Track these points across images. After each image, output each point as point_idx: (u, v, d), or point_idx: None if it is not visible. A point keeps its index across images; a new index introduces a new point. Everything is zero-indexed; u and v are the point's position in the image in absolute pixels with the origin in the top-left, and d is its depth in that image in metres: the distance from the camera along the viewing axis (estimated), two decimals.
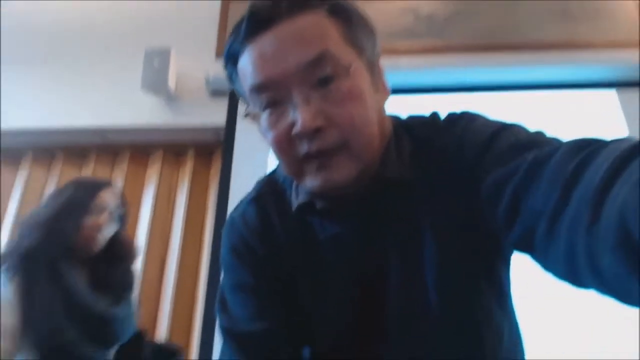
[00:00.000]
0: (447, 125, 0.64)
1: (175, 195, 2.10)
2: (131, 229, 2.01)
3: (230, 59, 0.60)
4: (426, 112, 0.68)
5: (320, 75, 0.55)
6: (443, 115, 0.67)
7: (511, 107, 1.96)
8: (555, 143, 0.49)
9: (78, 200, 1.28)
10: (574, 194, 0.40)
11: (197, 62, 2.11)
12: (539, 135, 0.54)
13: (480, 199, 0.55)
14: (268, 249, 0.67)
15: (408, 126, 0.66)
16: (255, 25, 0.57)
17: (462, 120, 0.63)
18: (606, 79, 2.00)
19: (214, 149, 2.14)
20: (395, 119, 0.67)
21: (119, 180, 2.09)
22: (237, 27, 0.59)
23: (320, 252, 0.65)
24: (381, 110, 0.63)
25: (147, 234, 2.00)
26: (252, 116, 0.61)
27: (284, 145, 0.57)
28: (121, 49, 2.17)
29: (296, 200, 0.65)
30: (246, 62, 0.57)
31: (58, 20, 2.23)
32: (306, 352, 0.70)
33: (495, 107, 1.93)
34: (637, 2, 2.17)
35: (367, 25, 0.62)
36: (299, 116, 0.54)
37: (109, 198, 1.31)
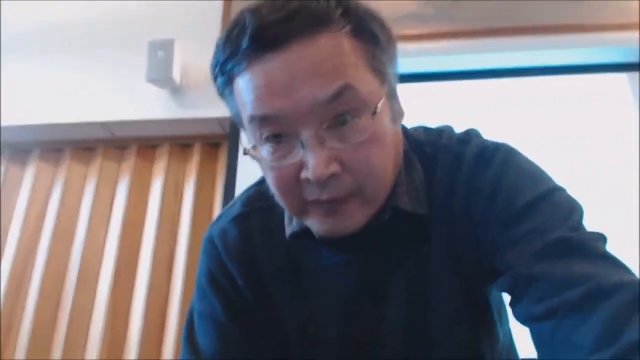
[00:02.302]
0: (479, 159, 0.55)
1: (182, 189, 2.09)
2: (139, 224, 2.01)
3: (224, 74, 0.51)
4: (439, 127, 0.61)
5: (337, 113, 0.46)
6: (463, 133, 0.59)
7: (520, 92, 1.93)
8: (602, 256, 0.46)
9: None
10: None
11: (201, 53, 2.05)
12: (582, 227, 0.50)
13: (494, 254, 0.52)
14: (248, 276, 0.60)
15: (420, 147, 0.58)
16: (261, 42, 0.46)
17: (497, 158, 0.55)
18: (615, 62, 1.97)
19: (221, 141, 2.13)
20: (406, 138, 0.59)
21: (126, 174, 2.09)
22: (235, 35, 0.48)
23: (311, 279, 0.60)
24: (398, 142, 0.55)
25: (156, 229, 1.99)
26: (252, 151, 0.52)
27: (289, 187, 0.50)
28: (124, 42, 2.14)
29: (290, 224, 0.58)
30: (246, 87, 0.48)
31: (60, 13, 2.21)
32: None
33: (503, 93, 1.90)
34: None
35: (392, 45, 0.53)
36: (311, 161, 0.46)
37: None
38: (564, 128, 1.83)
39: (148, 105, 2.05)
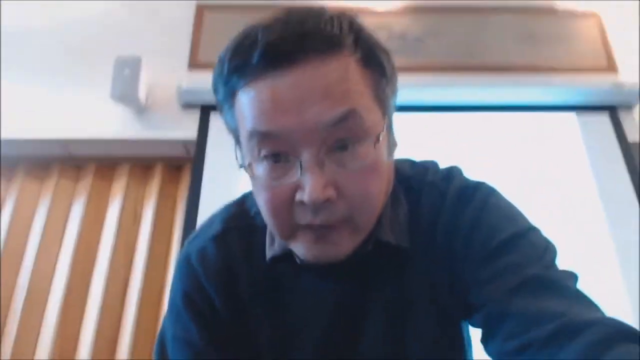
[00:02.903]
0: (460, 197, 0.57)
1: (141, 211, 2.03)
2: (93, 246, 1.94)
3: (227, 86, 0.50)
4: (424, 162, 0.62)
5: (339, 137, 0.46)
6: (446, 170, 0.61)
7: (477, 127, 2.00)
8: (574, 294, 0.48)
9: None
10: None
11: (168, 73, 2.07)
12: (555, 266, 0.52)
13: (469, 290, 0.53)
14: (227, 298, 0.59)
15: (406, 181, 0.60)
16: (272, 58, 0.45)
17: (477, 197, 0.57)
18: (567, 102, 2.08)
19: (183, 164, 2.09)
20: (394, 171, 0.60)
21: (82, 194, 2.02)
22: (244, 48, 0.47)
23: (290, 304, 0.59)
24: (390, 173, 0.56)
25: (111, 252, 1.92)
26: (247, 168, 0.50)
27: (281, 208, 0.49)
28: (90, 57, 2.10)
29: (270, 247, 0.57)
30: (250, 102, 0.47)
31: (22, 23, 2.16)
32: None
33: (463, 127, 1.98)
34: (600, 28, 2.28)
35: (396, 78, 0.54)
36: (308, 183, 0.46)
37: None
38: (520, 163, 1.91)
39: (110, 123, 2.01)
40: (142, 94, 1.97)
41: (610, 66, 2.20)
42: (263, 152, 0.48)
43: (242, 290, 0.60)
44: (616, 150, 1.98)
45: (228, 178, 1.92)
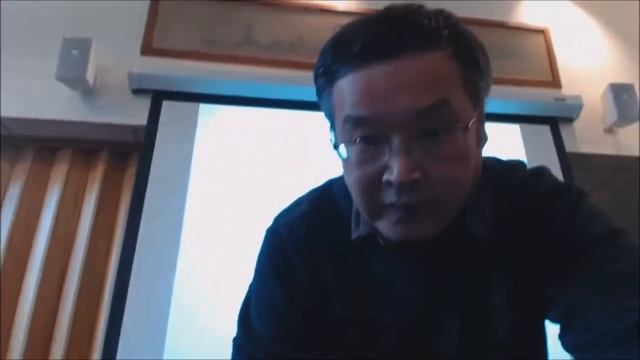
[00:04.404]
0: (552, 195, 0.59)
1: (82, 198, 1.94)
2: (30, 233, 1.84)
3: (327, 75, 0.54)
4: (511, 160, 0.65)
5: (429, 125, 0.49)
6: (534, 170, 0.63)
7: None
8: None
9: None
10: None
11: (121, 57, 1.99)
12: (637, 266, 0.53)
13: (552, 283, 0.55)
14: (311, 272, 0.62)
15: (492, 177, 0.62)
16: (372, 51, 0.49)
17: (569, 196, 0.59)
18: (512, 113, 2.16)
19: (131, 150, 2.02)
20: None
21: (20, 177, 1.91)
22: (347, 39, 0.51)
23: (372, 285, 0.61)
24: (478, 165, 0.57)
25: (48, 239, 1.83)
26: (341, 149, 0.54)
27: (370, 187, 0.52)
28: (39, 38, 1.99)
29: (356, 228, 0.60)
30: (349, 88, 0.51)
31: None
32: None
33: None
34: (548, 43, 2.40)
35: (490, 73, 0.56)
36: (396, 165, 0.49)
37: None
38: None
39: (54, 105, 1.91)
40: (90, 76, 1.88)
41: (555, 81, 2.32)
42: (357, 136, 0.51)
43: (326, 269, 0.62)
44: (555, 160, 2.10)
45: (177, 167, 1.89)
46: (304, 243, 0.63)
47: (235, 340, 0.63)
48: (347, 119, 0.52)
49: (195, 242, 1.79)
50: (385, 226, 0.54)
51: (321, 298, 0.62)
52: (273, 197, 1.77)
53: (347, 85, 0.52)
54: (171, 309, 1.68)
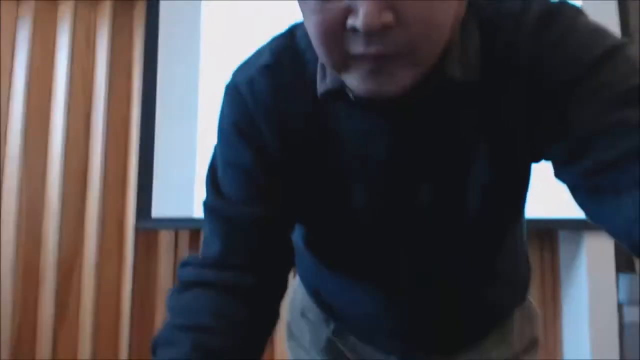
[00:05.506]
0: (541, 21, 0.49)
1: (94, 40, 1.87)
2: (47, 77, 1.82)
3: None
4: None
5: None
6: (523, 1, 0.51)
7: None
8: None
9: None
10: None
11: None
12: None
13: (558, 117, 0.47)
14: (276, 130, 0.56)
15: (479, 7, 0.51)
16: None
17: (561, 19, 0.49)
18: None
19: None
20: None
21: (27, 18, 1.82)
22: None
23: (341, 143, 0.56)
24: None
25: (67, 85, 1.81)
26: None
27: (331, 35, 0.43)
28: None
29: (322, 81, 0.52)
30: None
31: None
32: (298, 240, 0.66)
33: None
34: None
35: None
36: (362, 6, 0.40)
37: None
38: None
39: None
40: None
41: None
42: None
43: (292, 126, 0.56)
44: None
45: (188, 5, 1.76)
46: (269, 100, 0.56)
47: (205, 203, 0.60)
48: None
49: (214, 76, 1.74)
50: (353, 80, 0.46)
51: (289, 158, 0.57)
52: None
53: None
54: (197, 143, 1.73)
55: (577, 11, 0.51)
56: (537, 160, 0.55)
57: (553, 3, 0.51)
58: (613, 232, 0.44)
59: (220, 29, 1.78)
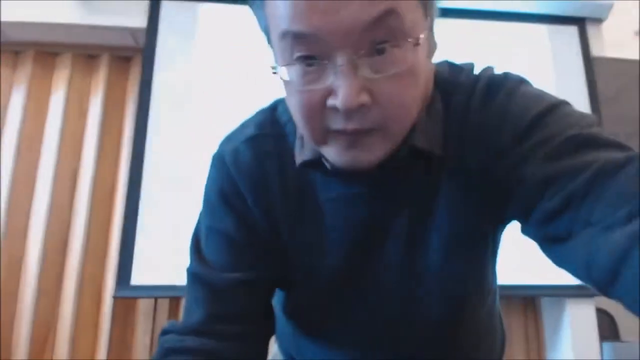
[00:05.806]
0: (487, 92, 0.54)
1: (87, 105, 1.92)
2: (37, 140, 1.84)
3: None
4: (462, 63, 0.59)
5: (376, 39, 0.44)
6: (480, 70, 0.57)
7: (443, 34, 1.93)
8: (612, 143, 0.46)
9: None
10: None
11: None
12: (594, 127, 0.49)
13: (506, 178, 0.51)
14: (258, 198, 0.59)
15: (443, 85, 0.57)
16: None
17: (504, 88, 0.54)
18: (539, 14, 2.04)
19: (133, 55, 1.95)
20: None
21: (22, 82, 1.86)
22: None
23: (319, 209, 0.59)
24: (429, 78, 0.54)
25: (57, 146, 1.83)
26: (279, 72, 0.48)
27: (313, 113, 0.47)
28: None
29: (300, 152, 0.56)
30: (283, 0, 0.45)
31: None
32: (276, 306, 0.67)
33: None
34: None
35: None
36: (342, 88, 0.44)
37: None
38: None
39: (50, 7, 1.81)
40: None
41: None
42: (296, 54, 0.46)
43: (273, 195, 0.60)
44: (580, 63, 2.01)
45: (180, 68, 1.83)
46: (250, 169, 0.60)
47: (188, 270, 0.62)
48: (284, 34, 0.45)
49: (205, 139, 1.77)
50: (331, 152, 0.50)
51: (270, 225, 0.60)
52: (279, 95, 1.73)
53: None
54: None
55: (520, 80, 0.56)
56: (502, 222, 0.59)
57: (498, 74, 0.57)
58: (575, 274, 0.47)
59: (209, 99, 1.83)
